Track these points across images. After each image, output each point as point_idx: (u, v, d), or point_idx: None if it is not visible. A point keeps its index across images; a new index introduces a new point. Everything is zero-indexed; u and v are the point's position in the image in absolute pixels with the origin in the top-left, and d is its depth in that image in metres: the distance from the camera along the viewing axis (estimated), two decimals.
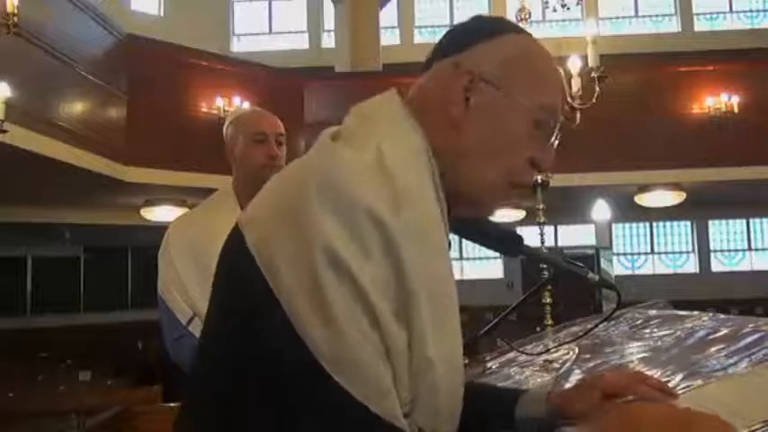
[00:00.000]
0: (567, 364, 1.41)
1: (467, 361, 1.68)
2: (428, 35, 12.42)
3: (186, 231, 2.00)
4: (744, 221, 11.88)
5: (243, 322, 0.75)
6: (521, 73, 0.88)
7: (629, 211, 10.04)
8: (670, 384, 1.08)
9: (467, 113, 0.86)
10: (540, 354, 1.52)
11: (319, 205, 0.73)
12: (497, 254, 1.16)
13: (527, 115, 0.87)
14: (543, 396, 0.99)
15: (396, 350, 0.73)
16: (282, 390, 0.73)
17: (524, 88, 0.87)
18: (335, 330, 0.70)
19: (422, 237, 0.77)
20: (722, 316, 1.45)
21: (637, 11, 12.38)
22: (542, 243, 3.15)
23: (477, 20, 0.94)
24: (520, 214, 9.30)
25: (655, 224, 11.91)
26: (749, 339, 1.20)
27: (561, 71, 0.93)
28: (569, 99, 3.50)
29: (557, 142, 0.91)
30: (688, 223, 11.90)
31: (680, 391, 1.01)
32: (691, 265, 11.94)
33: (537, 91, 0.88)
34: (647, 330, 1.51)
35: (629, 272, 11.85)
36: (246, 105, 7.54)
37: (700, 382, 1.06)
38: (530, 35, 0.93)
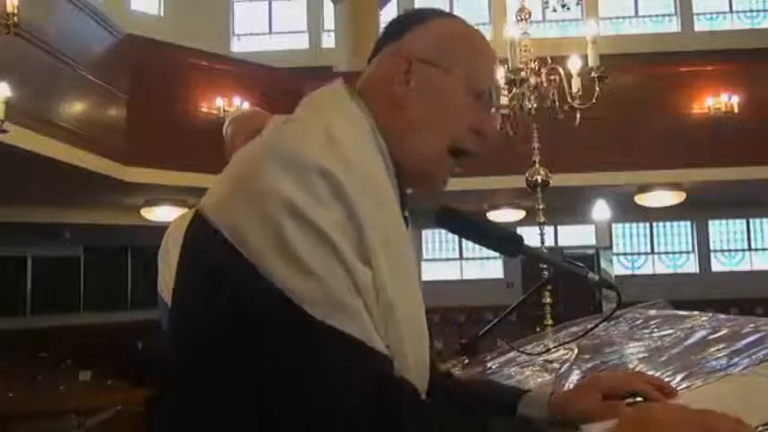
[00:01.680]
0: (567, 364, 1.40)
1: (467, 361, 1.68)
2: None
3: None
4: (744, 221, 11.88)
5: (224, 298, 0.77)
6: (455, 49, 0.95)
7: (629, 211, 10.04)
8: (675, 384, 1.08)
9: (409, 93, 0.93)
10: (540, 354, 1.52)
11: (272, 166, 0.77)
12: (497, 254, 1.16)
13: (465, 87, 0.94)
14: (546, 398, 0.99)
15: (364, 287, 0.77)
16: (275, 350, 0.75)
17: (460, 63, 0.94)
18: (307, 272, 0.74)
19: (373, 195, 0.81)
20: (722, 316, 1.45)
21: (637, 11, 12.39)
22: (542, 243, 3.16)
23: (412, 11, 1.03)
24: (520, 214, 9.30)
25: (655, 224, 11.91)
26: (749, 339, 1.20)
27: (494, 49, 1.00)
28: (569, 99, 3.50)
29: (495, 110, 0.98)
30: (688, 223, 11.89)
31: (680, 392, 1.01)
32: (691, 265, 11.94)
33: (474, 65, 0.95)
34: (647, 330, 1.51)
35: (629, 272, 11.84)
36: (246, 105, 7.54)
37: (700, 382, 1.05)
38: (459, 18, 1.01)
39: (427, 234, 11.75)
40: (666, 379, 1.11)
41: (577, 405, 0.94)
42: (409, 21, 0.99)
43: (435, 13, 0.99)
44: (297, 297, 0.74)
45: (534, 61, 3.61)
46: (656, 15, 12.35)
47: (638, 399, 0.93)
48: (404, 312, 0.82)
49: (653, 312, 1.65)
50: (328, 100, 0.94)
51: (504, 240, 1.07)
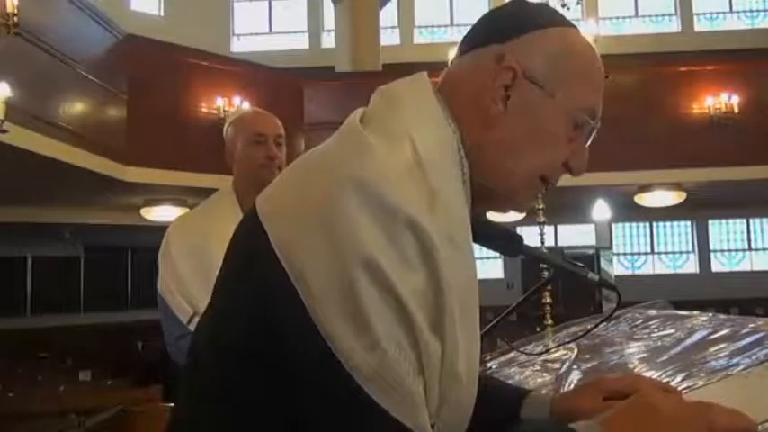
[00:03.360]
0: (567, 364, 1.41)
1: None
2: (428, 35, 12.41)
3: (187, 231, 2.01)
4: (744, 221, 11.88)
5: (260, 321, 0.71)
6: (565, 72, 0.83)
7: (629, 211, 10.04)
8: (675, 384, 1.08)
9: (505, 111, 0.82)
10: (540, 354, 1.52)
11: (356, 211, 0.68)
12: (497, 254, 1.16)
13: (567, 116, 0.83)
14: (548, 400, 0.98)
15: (430, 364, 0.70)
16: (305, 396, 0.70)
17: (567, 88, 0.83)
18: (372, 343, 0.66)
19: (453, 239, 0.74)
20: (722, 316, 1.45)
21: (637, 11, 12.38)
22: (542, 243, 3.16)
23: (521, 7, 0.88)
24: (520, 214, 9.29)
25: (655, 224, 11.91)
26: (749, 339, 1.20)
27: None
28: None
29: (589, 143, 0.88)
30: (688, 223, 11.89)
31: (680, 392, 1.01)
32: (691, 265, 11.94)
33: (580, 92, 0.84)
34: (647, 330, 1.51)
35: (629, 272, 11.84)
36: (246, 105, 7.54)
37: (700, 382, 1.06)
38: (576, 29, 0.87)
39: None
40: (666, 379, 1.11)
41: (579, 406, 0.93)
42: (519, 23, 0.84)
43: (551, 20, 0.85)
44: (351, 365, 0.66)
45: None
46: (656, 15, 12.34)
47: None
48: (467, 382, 0.76)
49: (653, 312, 1.65)
50: (413, 100, 0.82)
51: (503, 240, 1.07)
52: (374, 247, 0.67)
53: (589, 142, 0.88)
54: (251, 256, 0.73)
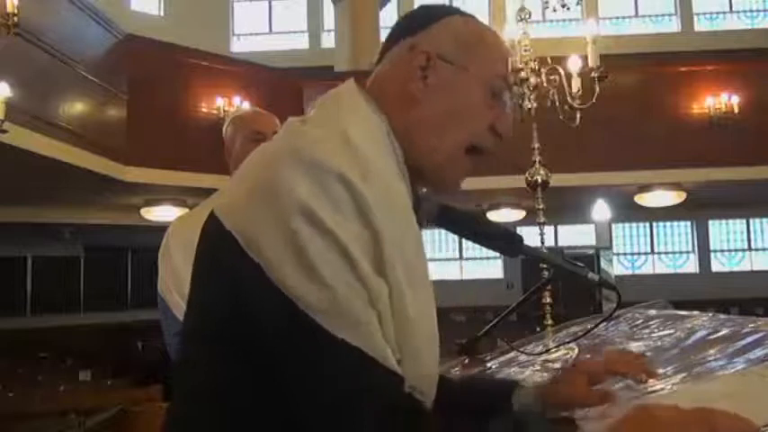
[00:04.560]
0: (567, 364, 1.40)
1: (467, 361, 1.68)
2: None
3: (186, 231, 2.00)
4: (744, 221, 11.88)
5: (232, 304, 0.76)
6: (472, 48, 0.93)
7: (629, 211, 10.04)
8: (670, 384, 1.08)
9: (425, 90, 0.91)
10: (540, 354, 1.52)
11: (288, 169, 0.75)
12: (497, 254, 1.16)
13: (482, 85, 0.92)
14: (532, 390, 1.01)
15: (379, 299, 0.76)
16: (277, 351, 0.74)
17: (477, 61, 0.93)
18: (320, 283, 0.72)
19: (390, 206, 0.79)
20: (722, 316, 1.45)
21: (637, 11, 12.38)
22: (542, 243, 3.15)
23: (424, 7, 1.00)
24: (520, 214, 9.30)
25: (655, 224, 11.91)
26: (749, 339, 1.20)
27: (506, 43, 0.98)
28: (569, 99, 3.50)
29: (510, 109, 0.96)
30: (688, 223, 11.89)
31: (680, 391, 1.01)
32: (691, 265, 11.94)
33: (489, 62, 0.94)
34: (647, 330, 1.51)
35: (629, 272, 11.84)
36: (246, 105, 7.54)
37: (700, 382, 1.05)
38: (473, 16, 0.99)
39: (427, 234, 11.75)
40: (666, 379, 1.11)
41: (571, 395, 0.96)
42: (423, 17, 0.96)
43: (449, 11, 0.98)
44: (309, 308, 0.72)
45: (534, 61, 3.60)
46: (656, 15, 12.34)
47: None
48: (420, 323, 0.81)
49: (653, 312, 1.65)
50: (343, 101, 0.92)
51: (504, 240, 1.07)
52: (307, 194, 0.74)
53: (509, 107, 0.96)
54: (215, 247, 0.80)
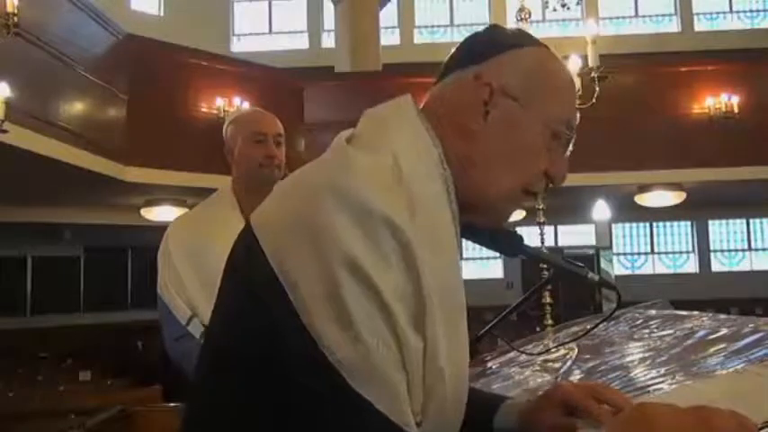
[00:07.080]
0: (567, 364, 1.41)
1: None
2: (428, 35, 12.42)
3: (186, 231, 2.01)
4: (744, 221, 11.88)
5: (259, 331, 0.74)
6: (540, 86, 0.89)
7: (629, 211, 10.04)
8: (670, 384, 1.08)
9: (485, 125, 0.87)
10: (540, 354, 1.52)
11: (336, 214, 0.72)
12: (497, 254, 1.16)
13: (544, 128, 0.88)
14: (515, 409, 0.99)
15: (412, 360, 0.73)
16: (298, 398, 0.72)
17: (543, 101, 0.88)
18: (355, 338, 0.70)
19: (435, 243, 0.77)
20: (722, 316, 1.45)
21: (637, 11, 12.39)
22: (542, 243, 3.15)
23: (496, 31, 0.95)
24: (520, 214, 9.30)
25: (655, 224, 11.91)
26: (749, 339, 1.20)
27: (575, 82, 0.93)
28: None
29: (569, 153, 0.93)
30: (688, 223, 11.89)
31: (679, 390, 1.01)
32: (691, 265, 11.94)
33: (555, 104, 0.90)
34: (647, 330, 1.51)
35: (629, 272, 11.84)
36: (246, 105, 7.54)
37: (699, 382, 1.05)
38: (547, 48, 0.94)
39: None
40: (666, 379, 1.11)
41: (541, 420, 0.94)
42: (494, 45, 0.91)
43: (522, 40, 0.92)
44: (338, 361, 0.70)
45: None
46: (656, 15, 12.35)
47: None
48: (452, 379, 0.78)
49: (653, 312, 1.65)
50: (398, 120, 0.87)
51: (504, 240, 1.07)
52: (354, 246, 0.71)
53: (568, 153, 0.92)
54: (246, 266, 0.77)
